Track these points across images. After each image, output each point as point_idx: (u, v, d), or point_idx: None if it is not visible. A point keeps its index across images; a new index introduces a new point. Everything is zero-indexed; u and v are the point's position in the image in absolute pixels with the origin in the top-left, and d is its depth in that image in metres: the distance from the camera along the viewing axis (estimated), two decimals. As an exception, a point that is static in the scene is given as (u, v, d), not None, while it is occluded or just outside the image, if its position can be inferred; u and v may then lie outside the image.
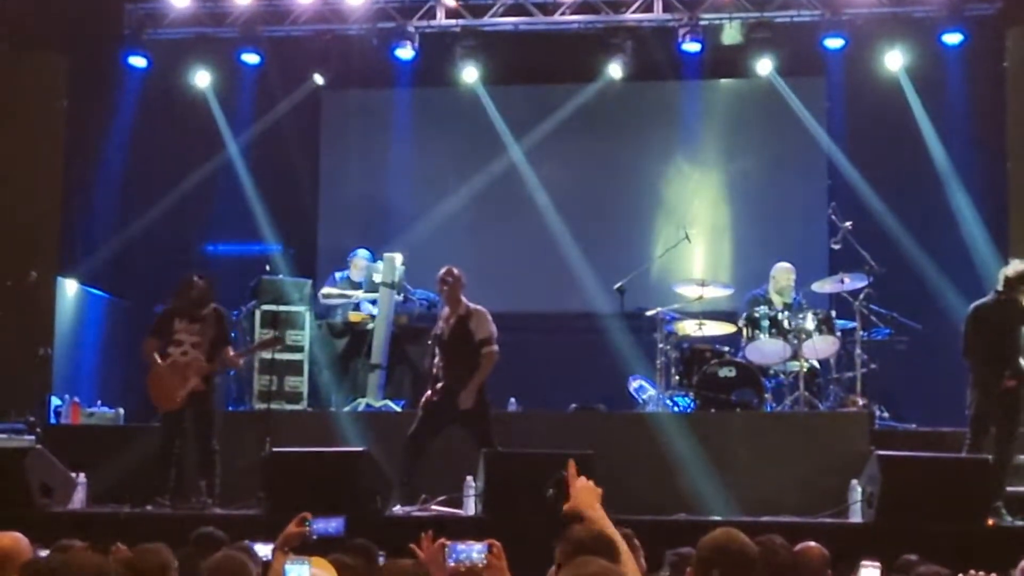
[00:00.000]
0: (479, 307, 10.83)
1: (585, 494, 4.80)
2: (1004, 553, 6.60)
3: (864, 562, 5.73)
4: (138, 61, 14.32)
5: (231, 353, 11.02)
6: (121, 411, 12.98)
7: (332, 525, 6.58)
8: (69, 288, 14.22)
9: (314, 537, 6.41)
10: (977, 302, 10.55)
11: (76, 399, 12.91)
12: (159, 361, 10.82)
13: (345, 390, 13.24)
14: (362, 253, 13.71)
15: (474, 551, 4.78)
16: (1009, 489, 10.14)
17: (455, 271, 10.84)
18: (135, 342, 14.94)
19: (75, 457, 10.90)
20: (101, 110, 14.45)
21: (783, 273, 12.89)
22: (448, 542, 4.81)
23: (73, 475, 10.58)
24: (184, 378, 10.72)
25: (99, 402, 13.14)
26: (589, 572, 4.08)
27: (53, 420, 12.81)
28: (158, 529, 8.90)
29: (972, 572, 5.54)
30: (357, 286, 13.61)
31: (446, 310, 10.94)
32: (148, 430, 11.95)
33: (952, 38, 13.43)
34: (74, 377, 14.00)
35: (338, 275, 13.73)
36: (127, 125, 14.58)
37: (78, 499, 10.56)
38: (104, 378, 14.53)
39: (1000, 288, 10.34)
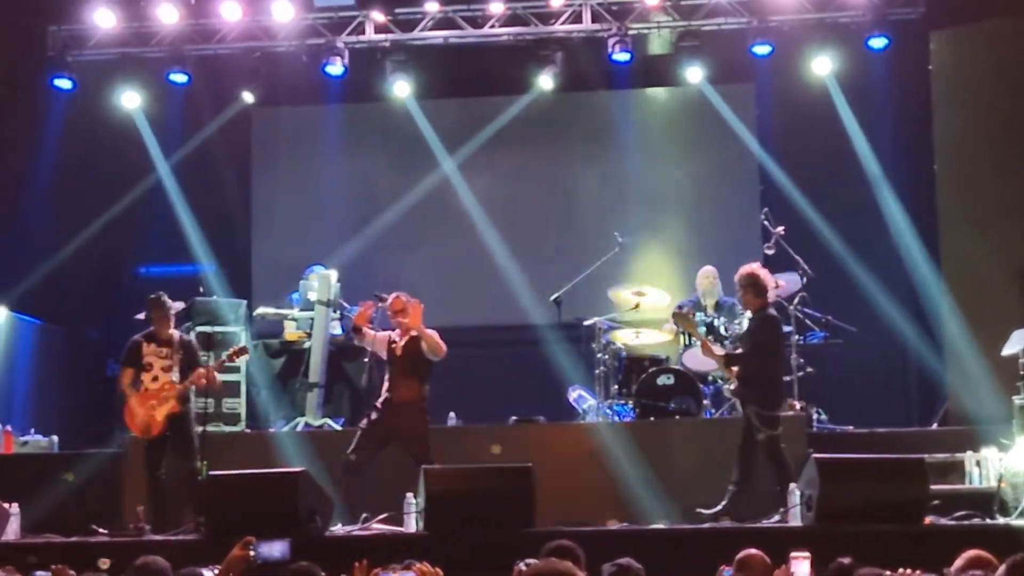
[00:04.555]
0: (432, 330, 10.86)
1: None
2: (940, 552, 6.62)
3: (793, 554, 5.74)
4: (63, 83, 14.15)
5: (203, 371, 10.90)
6: (55, 439, 12.82)
7: (277, 549, 6.51)
8: (-1, 314, 14.05)
9: (259, 561, 6.34)
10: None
11: (8, 427, 12.71)
12: (132, 390, 10.81)
13: (283, 410, 13.16)
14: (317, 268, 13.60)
15: None
16: (940, 488, 10.19)
17: (404, 298, 10.87)
18: (68, 368, 14.88)
19: (8, 487, 10.73)
20: (27, 133, 14.31)
21: (704, 277, 13.02)
22: (380, 571, 4.80)
23: (6, 505, 10.41)
24: (159, 402, 10.70)
25: (32, 430, 12.96)
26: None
27: (-15, 450, 12.63)
28: (97, 558, 8.77)
29: (905, 571, 5.54)
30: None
31: (397, 330, 10.92)
32: (83, 457, 11.85)
33: (878, 42, 13.57)
34: (6, 405, 13.79)
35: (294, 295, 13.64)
36: (55, 148, 14.43)
37: (11, 530, 10.37)
38: (37, 405, 14.33)
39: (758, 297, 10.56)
